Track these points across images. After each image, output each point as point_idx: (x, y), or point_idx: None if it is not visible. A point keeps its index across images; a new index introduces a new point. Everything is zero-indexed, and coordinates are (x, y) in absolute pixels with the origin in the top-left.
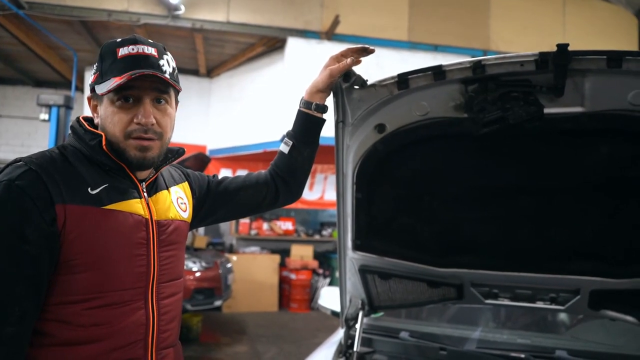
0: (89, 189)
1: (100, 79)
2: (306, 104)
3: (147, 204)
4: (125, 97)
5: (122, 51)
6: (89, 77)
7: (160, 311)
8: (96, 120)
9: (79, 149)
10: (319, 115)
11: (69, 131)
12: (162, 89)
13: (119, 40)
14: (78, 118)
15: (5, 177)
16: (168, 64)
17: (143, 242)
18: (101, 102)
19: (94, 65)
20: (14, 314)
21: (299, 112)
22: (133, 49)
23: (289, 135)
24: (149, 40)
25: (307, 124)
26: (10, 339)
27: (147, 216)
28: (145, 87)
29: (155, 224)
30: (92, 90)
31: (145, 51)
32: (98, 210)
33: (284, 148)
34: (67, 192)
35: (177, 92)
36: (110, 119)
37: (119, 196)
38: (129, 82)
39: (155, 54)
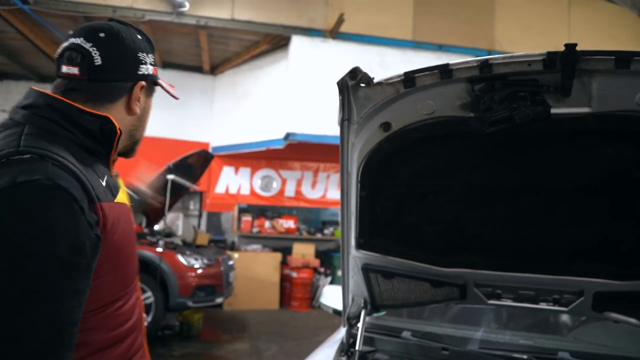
0: (100, 181)
1: (157, 74)
2: None
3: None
4: None
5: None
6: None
7: (141, 298)
8: (137, 110)
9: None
10: None
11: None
12: None
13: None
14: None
15: (36, 174)
16: None
17: (134, 231)
18: (149, 95)
19: (150, 55)
20: (71, 340)
21: None
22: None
23: None
24: None
25: None
26: None
27: (129, 204)
28: None
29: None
30: (152, 82)
31: None
32: (114, 204)
33: None
34: (95, 187)
35: None
36: (148, 112)
37: (116, 187)
38: None
39: None
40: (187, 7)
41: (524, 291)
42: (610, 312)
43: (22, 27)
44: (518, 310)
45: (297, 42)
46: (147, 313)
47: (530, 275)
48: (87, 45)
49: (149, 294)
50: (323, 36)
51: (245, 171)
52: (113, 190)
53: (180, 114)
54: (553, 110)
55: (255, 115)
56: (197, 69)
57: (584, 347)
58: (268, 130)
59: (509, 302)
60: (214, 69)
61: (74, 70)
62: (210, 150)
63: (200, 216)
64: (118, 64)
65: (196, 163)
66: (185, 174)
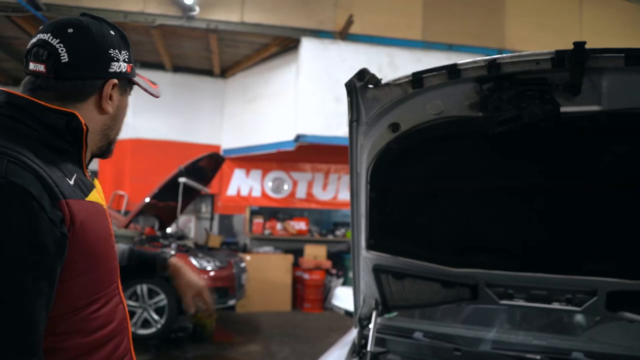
0: (68, 179)
1: (134, 72)
2: (164, 269)
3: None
4: None
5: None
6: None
7: (125, 302)
8: (109, 109)
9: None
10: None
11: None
12: None
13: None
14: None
15: None
16: None
17: (111, 232)
18: (124, 93)
19: (123, 52)
20: (41, 342)
21: (148, 262)
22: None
23: (127, 256)
24: None
25: (148, 270)
26: None
27: (105, 205)
28: None
29: (108, 213)
30: (128, 80)
31: None
32: (85, 202)
33: (121, 259)
34: (59, 184)
35: None
36: (124, 110)
37: (88, 186)
38: None
39: None
40: (197, 11)
41: (536, 291)
42: (624, 311)
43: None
44: (531, 310)
45: (307, 44)
46: (161, 315)
47: (542, 275)
48: (54, 42)
49: (162, 296)
50: (332, 38)
51: (256, 173)
52: (84, 188)
53: (191, 117)
54: (562, 109)
55: (266, 118)
56: (208, 72)
57: (598, 347)
58: (279, 132)
59: (521, 302)
60: (225, 72)
61: (40, 68)
62: (221, 153)
63: (212, 219)
64: (86, 61)
65: (207, 166)
66: (197, 176)
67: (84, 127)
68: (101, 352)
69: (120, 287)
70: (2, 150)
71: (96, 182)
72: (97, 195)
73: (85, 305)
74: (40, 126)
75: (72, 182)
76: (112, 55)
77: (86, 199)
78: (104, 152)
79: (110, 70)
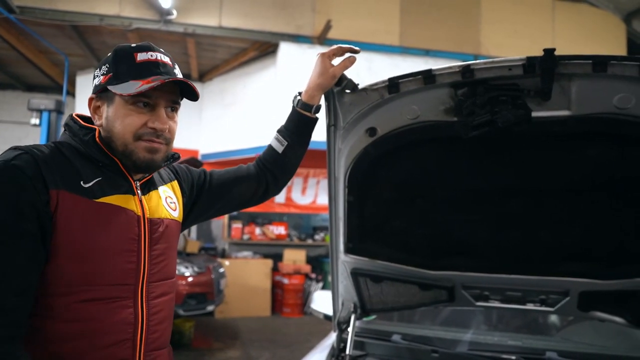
0: (82, 182)
1: (114, 80)
2: (306, 106)
3: (140, 201)
4: (142, 102)
5: (141, 56)
6: (82, 79)
7: (150, 311)
8: (98, 122)
9: (74, 146)
10: (316, 116)
11: (63, 129)
12: (176, 99)
13: (133, 45)
14: (71, 115)
15: (1, 158)
16: (180, 73)
17: (135, 238)
18: (110, 103)
19: (103, 67)
20: (18, 285)
21: (297, 114)
22: (152, 56)
23: (282, 133)
24: (161, 49)
25: (306, 125)
26: (14, 308)
27: (140, 213)
28: (163, 95)
29: (147, 222)
30: (100, 90)
31: (163, 59)
32: (90, 202)
33: (277, 147)
34: (60, 179)
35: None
36: (121, 120)
37: (112, 190)
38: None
39: (170, 62)
40: (174, 15)
41: (511, 292)
42: (595, 311)
43: (8, 36)
44: (506, 311)
45: (285, 49)
46: None
47: (517, 276)
48: None
49: None
50: (311, 42)
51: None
52: (99, 191)
53: None
54: (534, 114)
55: (244, 122)
56: (185, 77)
57: (571, 346)
58: (257, 136)
59: (497, 304)
60: (203, 77)
61: None
62: (199, 157)
63: None
64: None
65: None
66: None
67: (97, 139)
68: (76, 343)
69: (141, 294)
70: (28, 148)
71: (153, 193)
72: (129, 202)
73: (65, 293)
74: (79, 141)
75: (86, 185)
76: (95, 75)
77: (99, 200)
78: (135, 165)
79: (93, 87)
